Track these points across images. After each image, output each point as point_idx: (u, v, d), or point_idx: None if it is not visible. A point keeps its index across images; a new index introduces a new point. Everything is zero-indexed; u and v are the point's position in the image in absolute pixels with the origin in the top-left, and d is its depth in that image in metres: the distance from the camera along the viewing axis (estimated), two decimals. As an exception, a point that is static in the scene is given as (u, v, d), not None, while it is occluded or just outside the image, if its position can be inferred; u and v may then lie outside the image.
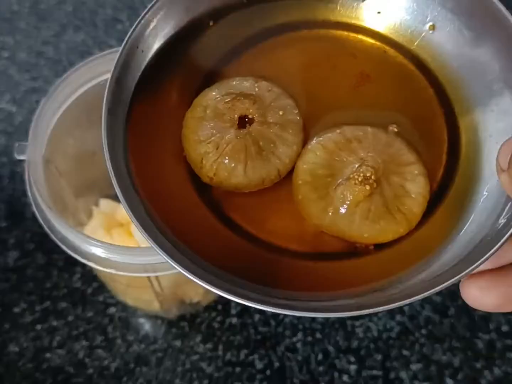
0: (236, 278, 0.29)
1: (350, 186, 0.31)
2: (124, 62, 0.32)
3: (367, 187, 0.30)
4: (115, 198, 0.54)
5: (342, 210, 0.31)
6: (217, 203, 0.32)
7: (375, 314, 0.53)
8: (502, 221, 0.28)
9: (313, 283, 0.30)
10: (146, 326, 0.53)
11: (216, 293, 0.27)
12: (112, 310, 0.53)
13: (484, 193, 0.30)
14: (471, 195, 0.31)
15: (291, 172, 0.32)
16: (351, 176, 0.31)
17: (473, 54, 0.33)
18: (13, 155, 0.58)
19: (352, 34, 0.35)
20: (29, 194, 0.40)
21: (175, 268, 0.27)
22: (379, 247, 0.31)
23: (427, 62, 0.34)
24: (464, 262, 0.28)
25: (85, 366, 0.51)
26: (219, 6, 0.35)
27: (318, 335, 0.52)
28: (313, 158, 0.32)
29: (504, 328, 0.52)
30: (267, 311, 0.27)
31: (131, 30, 0.32)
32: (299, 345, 0.52)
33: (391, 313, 0.53)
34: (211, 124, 0.32)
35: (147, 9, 0.32)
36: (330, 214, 0.31)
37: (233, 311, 0.53)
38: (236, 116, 0.33)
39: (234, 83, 0.34)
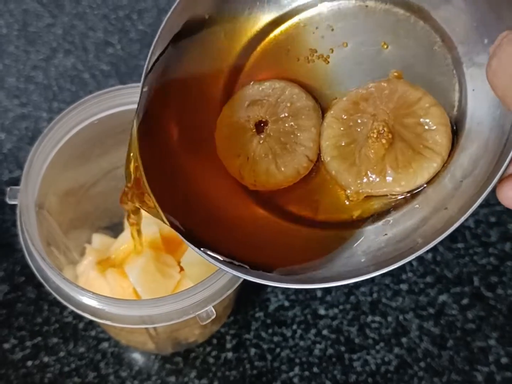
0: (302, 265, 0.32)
1: (369, 145, 0.32)
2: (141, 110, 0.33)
3: (383, 141, 0.32)
4: (107, 231, 0.53)
5: (373, 168, 0.32)
6: (275, 204, 0.35)
7: (373, 347, 0.52)
8: None
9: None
10: (140, 362, 0.51)
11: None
12: (104, 345, 0.52)
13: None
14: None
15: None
16: (368, 135, 0.33)
17: None
18: (2, 184, 0.58)
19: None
20: (22, 241, 0.39)
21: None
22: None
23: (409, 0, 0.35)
24: (491, 173, 0.29)
25: (77, 405, 0.50)
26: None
27: (315, 369, 0.52)
28: (331, 133, 0.34)
29: (504, 360, 0.52)
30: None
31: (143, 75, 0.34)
32: (296, 380, 0.51)
33: (389, 345, 0.52)
34: (236, 139, 0.35)
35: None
36: (364, 176, 0.33)
37: (228, 345, 0.52)
38: (251, 125, 0.35)
39: (241, 95, 0.36)
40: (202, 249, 0.31)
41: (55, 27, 0.67)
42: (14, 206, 0.42)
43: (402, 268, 0.55)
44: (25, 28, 0.67)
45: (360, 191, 0.33)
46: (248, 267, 0.31)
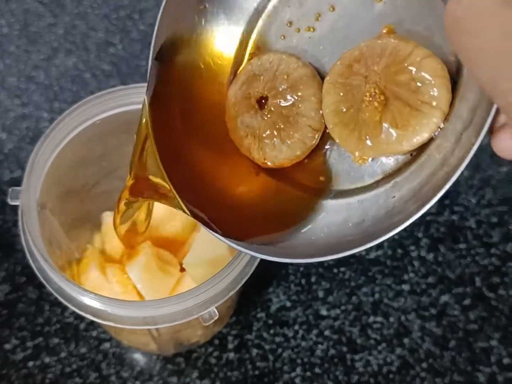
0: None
1: (364, 109, 0.32)
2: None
3: (376, 104, 0.31)
4: (109, 231, 0.53)
5: (372, 132, 0.32)
6: (288, 178, 0.35)
7: (375, 347, 0.52)
8: None
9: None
10: (141, 362, 0.51)
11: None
12: (106, 345, 0.52)
13: None
14: None
15: None
16: (362, 99, 0.32)
17: None
18: (3, 185, 0.58)
19: None
20: (23, 242, 0.39)
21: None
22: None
23: None
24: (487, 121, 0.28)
25: (78, 405, 0.50)
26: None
27: (317, 370, 0.51)
28: (330, 99, 0.33)
29: (506, 361, 0.52)
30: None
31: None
32: (298, 380, 0.51)
33: (391, 346, 0.52)
34: (242, 118, 0.35)
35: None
36: (365, 140, 0.32)
37: (230, 346, 0.52)
38: (253, 102, 0.35)
39: (242, 74, 0.36)
40: (215, 231, 0.32)
41: (56, 27, 0.67)
42: (15, 206, 0.42)
43: (403, 269, 0.55)
44: (26, 27, 0.67)
45: (364, 156, 0.33)
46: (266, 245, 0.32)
